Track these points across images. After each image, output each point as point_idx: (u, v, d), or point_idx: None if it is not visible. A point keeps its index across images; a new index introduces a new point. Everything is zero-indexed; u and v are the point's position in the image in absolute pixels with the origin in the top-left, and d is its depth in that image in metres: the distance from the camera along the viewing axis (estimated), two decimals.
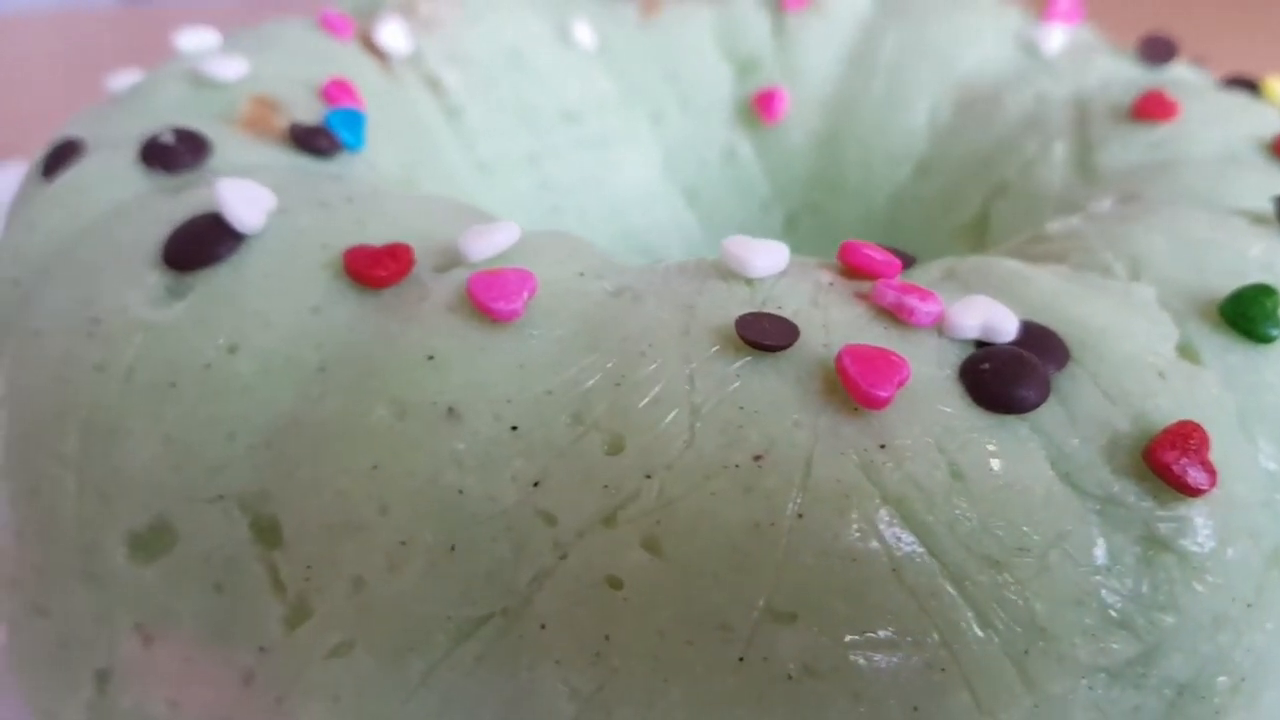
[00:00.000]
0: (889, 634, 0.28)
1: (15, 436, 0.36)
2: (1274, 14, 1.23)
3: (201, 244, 0.35)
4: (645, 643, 0.29)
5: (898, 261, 0.34)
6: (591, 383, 0.31)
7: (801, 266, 0.34)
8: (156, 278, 0.35)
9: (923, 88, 0.57)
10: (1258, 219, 0.40)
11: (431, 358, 0.31)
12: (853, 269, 0.34)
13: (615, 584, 0.29)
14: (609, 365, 0.31)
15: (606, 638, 0.29)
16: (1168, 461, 0.31)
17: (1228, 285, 0.36)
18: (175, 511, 0.32)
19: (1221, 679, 0.31)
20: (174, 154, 0.40)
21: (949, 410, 0.31)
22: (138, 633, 0.34)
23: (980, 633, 0.29)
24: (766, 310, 0.32)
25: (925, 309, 0.32)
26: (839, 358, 0.30)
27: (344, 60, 0.53)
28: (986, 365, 0.31)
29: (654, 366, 0.31)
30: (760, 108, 0.59)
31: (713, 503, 0.29)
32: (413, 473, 0.30)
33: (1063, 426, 0.31)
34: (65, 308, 0.36)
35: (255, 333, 0.33)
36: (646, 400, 0.30)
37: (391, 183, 0.46)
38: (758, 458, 0.29)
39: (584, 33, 0.60)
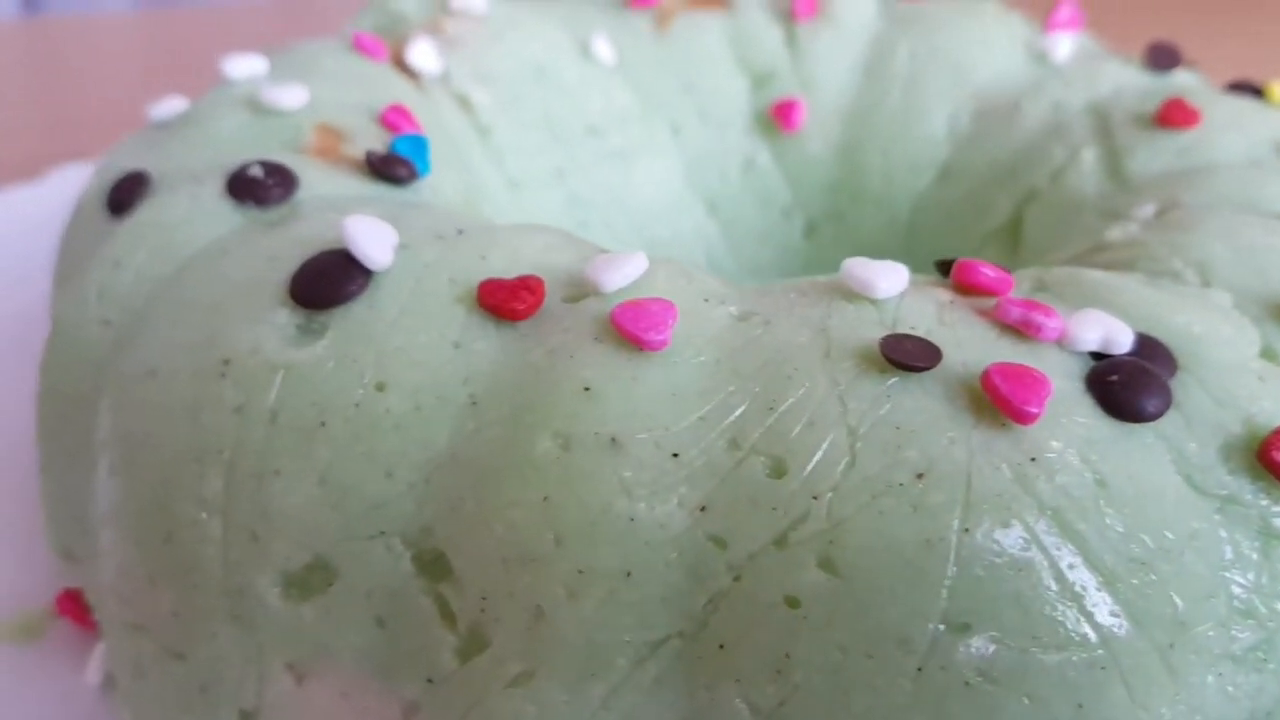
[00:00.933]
0: (1056, 638, 0.30)
1: (141, 481, 0.35)
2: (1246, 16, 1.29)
3: (334, 282, 0.35)
4: (826, 658, 0.30)
5: (1009, 278, 0.36)
6: (742, 408, 0.32)
7: (919, 286, 0.36)
8: (286, 316, 0.35)
9: (941, 97, 0.59)
10: None
11: (588, 389, 0.32)
12: (967, 287, 0.36)
13: (793, 603, 0.30)
14: (756, 390, 0.32)
15: (787, 655, 0.30)
16: (1279, 460, 0.33)
17: None
18: (334, 550, 0.33)
19: None
20: (264, 187, 0.40)
21: (1084, 422, 0.32)
22: (290, 672, 0.34)
23: (1133, 631, 0.31)
24: (899, 330, 0.34)
25: (1051, 324, 0.34)
26: (987, 375, 0.32)
27: (388, 84, 0.53)
28: (1115, 377, 0.33)
29: (803, 390, 0.32)
30: (779, 118, 0.61)
31: (882, 521, 0.30)
32: (584, 503, 0.31)
33: (1181, 432, 0.33)
34: (185, 349, 0.36)
35: (402, 370, 0.33)
36: (802, 424, 0.31)
37: (456, 207, 0.47)
38: (920, 475, 0.30)
39: (603, 47, 0.61)
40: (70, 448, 0.41)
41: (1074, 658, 0.30)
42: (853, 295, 0.35)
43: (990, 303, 0.35)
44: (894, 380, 0.32)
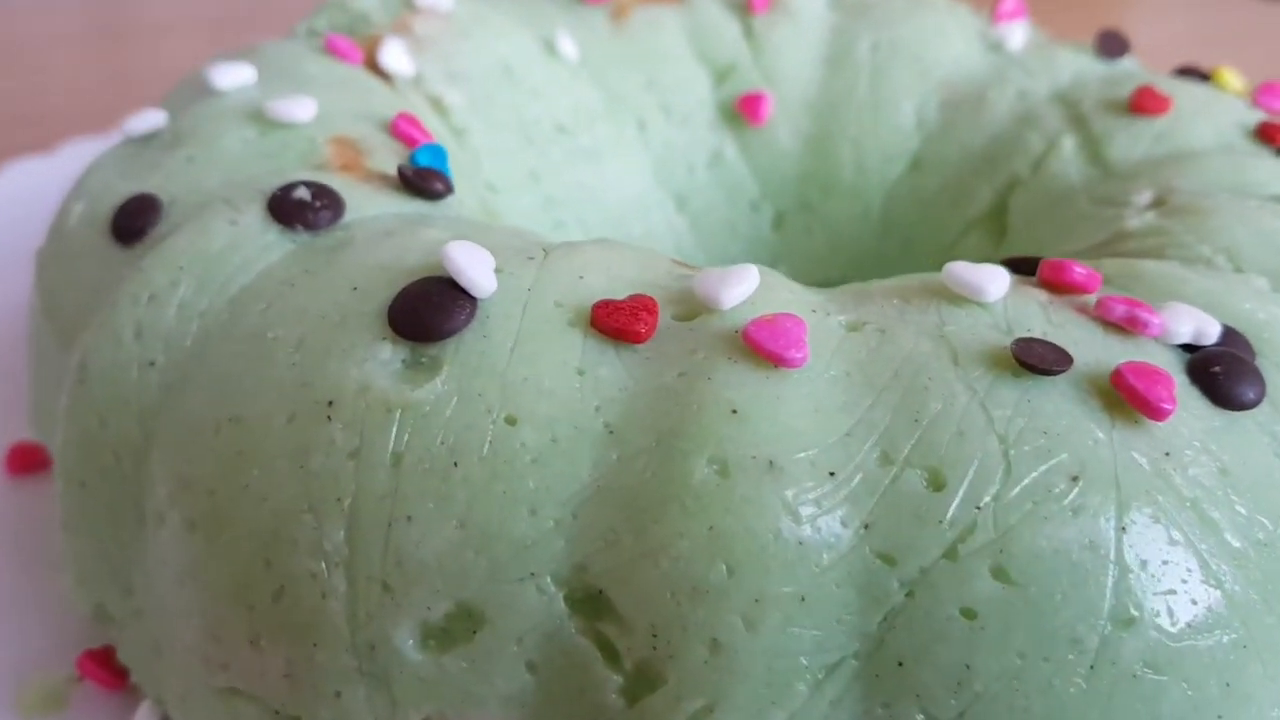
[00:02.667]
0: (1206, 622, 0.31)
1: (236, 537, 0.33)
2: None
3: (441, 312, 0.33)
4: (1005, 666, 0.30)
5: (1098, 275, 0.37)
6: (887, 421, 0.32)
7: (1017, 286, 0.36)
8: (390, 351, 0.33)
9: (906, 88, 0.60)
10: None
11: (735, 411, 0.32)
12: (1059, 285, 0.37)
13: (969, 614, 0.30)
14: (895, 402, 0.32)
15: (967, 666, 0.30)
16: None
17: None
18: (480, 595, 0.31)
19: None
20: (313, 210, 0.38)
21: (1199, 413, 0.34)
22: None
23: (1263, 608, 0.32)
24: (1015, 333, 0.34)
25: (1155, 320, 0.35)
26: (1120, 374, 0.32)
27: (372, 89, 0.50)
28: (1218, 369, 0.34)
29: (943, 400, 0.32)
30: (746, 111, 0.61)
31: (1047, 526, 0.31)
32: (752, 530, 0.30)
33: (1269, 416, 0.35)
34: (274, 391, 0.33)
35: (531, 401, 0.32)
36: (951, 434, 0.32)
37: (479, 216, 0.45)
38: (1074, 478, 0.31)
39: (566, 44, 0.60)
40: (109, 503, 0.38)
41: (1222, 639, 0.31)
42: (958, 299, 0.36)
43: (1086, 300, 0.36)
44: (1029, 384, 0.33)
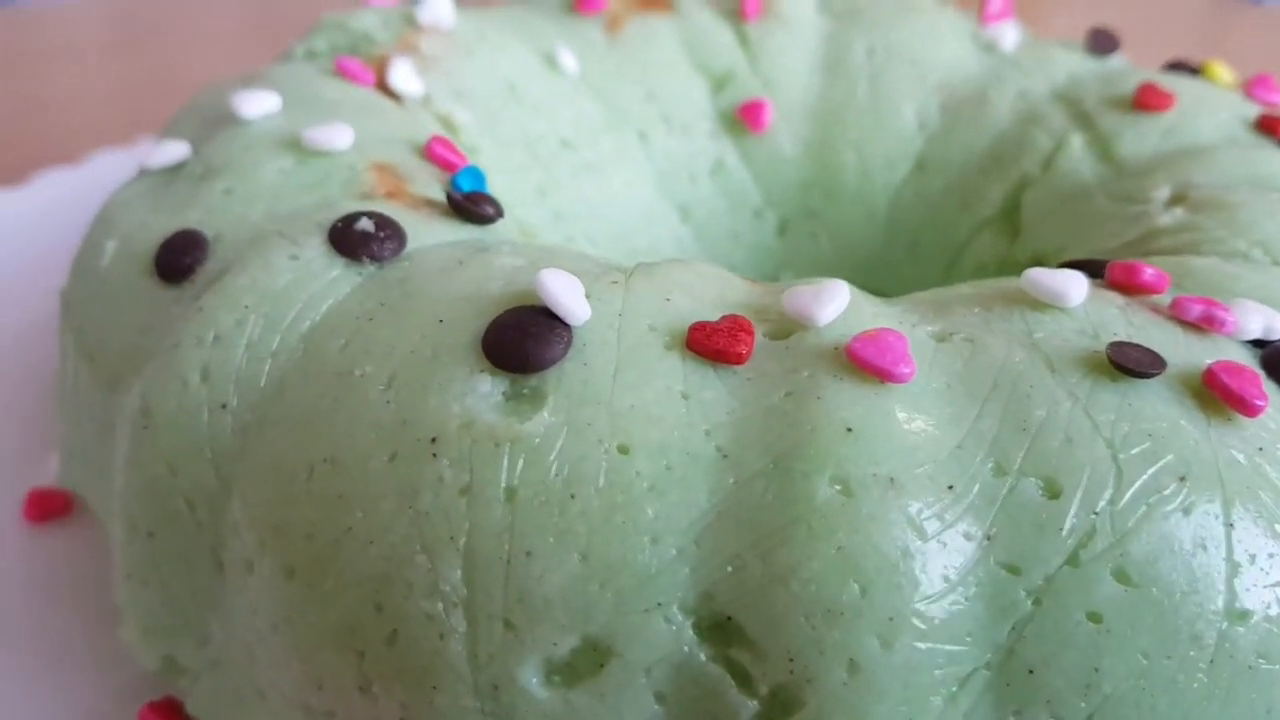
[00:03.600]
0: None
1: (341, 581, 0.32)
2: None
3: (540, 342, 0.32)
4: (1132, 666, 0.31)
5: (1166, 275, 0.38)
6: (995, 431, 0.32)
7: (1093, 291, 0.37)
8: (490, 384, 0.33)
9: (906, 91, 0.61)
10: None
11: (850, 429, 0.31)
12: (1131, 286, 0.37)
13: (1095, 618, 0.31)
14: (1000, 412, 0.33)
15: (1095, 669, 0.31)
16: None
17: None
18: (606, 628, 0.31)
19: None
20: (378, 241, 0.37)
21: (1276, 408, 0.34)
22: None
23: None
24: (1101, 337, 0.35)
25: (1230, 319, 0.36)
26: (1212, 374, 0.33)
27: (388, 111, 0.49)
28: None
29: (1047, 407, 0.33)
30: (747, 119, 0.61)
31: (1163, 527, 0.31)
32: (879, 548, 0.30)
33: None
34: (370, 430, 0.33)
35: (641, 429, 0.32)
36: (1059, 441, 0.32)
37: (519, 236, 0.45)
38: (1182, 479, 0.32)
39: (566, 57, 0.59)
40: (181, 552, 0.36)
41: None
42: (1041, 305, 0.36)
43: (1159, 300, 0.37)
44: (1127, 388, 0.33)
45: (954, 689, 0.31)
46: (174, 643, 0.38)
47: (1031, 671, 0.31)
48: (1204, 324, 0.36)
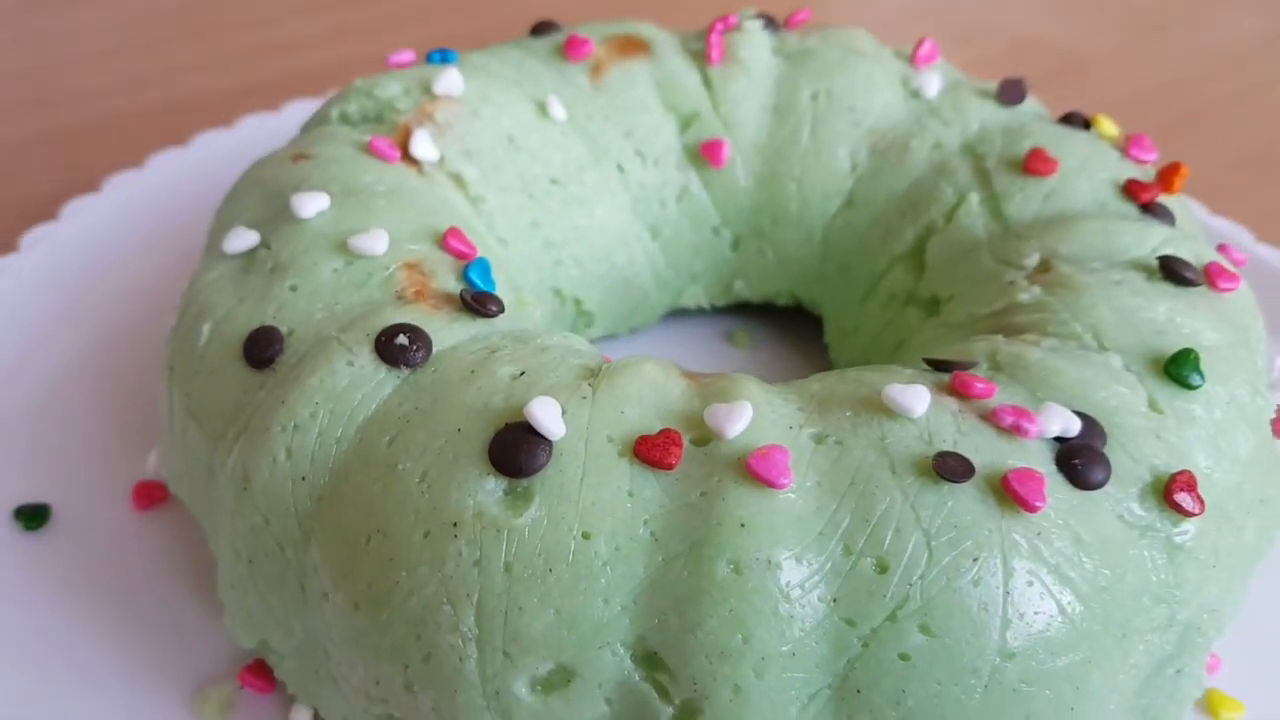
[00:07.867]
0: (1064, 648, 0.46)
1: (395, 618, 0.46)
2: None
3: (530, 455, 0.46)
4: (929, 690, 0.45)
5: (993, 386, 0.51)
6: (846, 522, 0.46)
7: (936, 399, 0.50)
8: (494, 484, 0.46)
9: (841, 136, 0.72)
10: (1149, 271, 0.59)
11: (743, 525, 0.45)
12: (964, 394, 0.51)
13: (905, 658, 0.45)
14: (852, 506, 0.46)
15: (903, 691, 0.45)
16: (1176, 498, 0.49)
17: (1159, 344, 0.54)
18: (573, 659, 0.45)
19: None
20: (410, 353, 0.50)
21: (1063, 496, 0.48)
22: None
23: (1101, 631, 0.47)
24: (935, 445, 0.48)
25: (1034, 427, 0.49)
26: (1006, 480, 0.47)
27: (414, 189, 0.61)
28: (1077, 461, 0.49)
29: (886, 503, 0.46)
30: (708, 155, 0.73)
31: (958, 596, 0.45)
32: (759, 610, 0.44)
33: (1115, 488, 0.49)
34: (411, 513, 0.46)
35: (599, 520, 0.45)
36: (891, 531, 0.46)
37: (516, 301, 0.57)
38: (975, 560, 0.46)
39: (556, 106, 0.71)
40: (274, 577, 0.51)
41: (1074, 659, 0.46)
42: (894, 415, 0.49)
43: (986, 406, 0.50)
44: (945, 489, 0.47)
45: (805, 702, 0.45)
46: (268, 632, 0.53)
47: (859, 691, 0.45)
48: (1014, 430, 0.49)
